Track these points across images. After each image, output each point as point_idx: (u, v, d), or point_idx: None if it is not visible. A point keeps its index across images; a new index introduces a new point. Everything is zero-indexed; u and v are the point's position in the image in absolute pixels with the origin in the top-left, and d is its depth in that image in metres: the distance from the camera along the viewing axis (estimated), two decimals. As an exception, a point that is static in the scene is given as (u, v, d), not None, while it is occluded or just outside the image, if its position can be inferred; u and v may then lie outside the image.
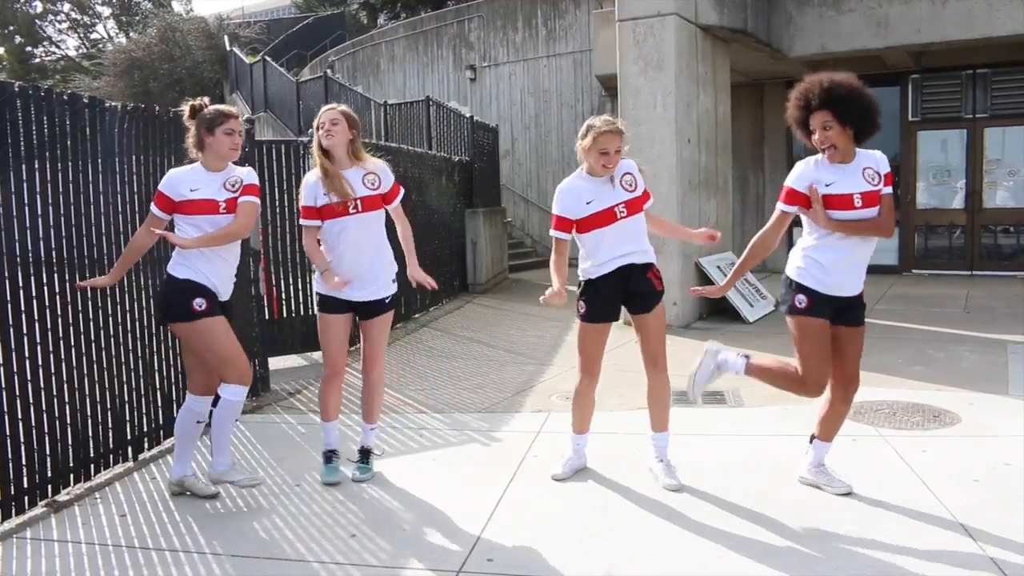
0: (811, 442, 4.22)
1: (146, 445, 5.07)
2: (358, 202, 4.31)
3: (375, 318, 4.46)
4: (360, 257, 4.35)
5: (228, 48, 27.08)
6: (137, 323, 5.05)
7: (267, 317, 6.92)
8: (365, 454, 4.62)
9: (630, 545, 3.66)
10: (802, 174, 3.90)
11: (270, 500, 4.29)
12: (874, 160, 3.88)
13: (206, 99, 4.34)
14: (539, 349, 7.87)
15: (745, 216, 14.13)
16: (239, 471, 4.44)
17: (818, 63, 12.22)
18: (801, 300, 3.90)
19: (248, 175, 4.28)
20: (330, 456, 4.57)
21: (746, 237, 14.84)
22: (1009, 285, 11.60)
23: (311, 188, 4.34)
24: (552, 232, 4.28)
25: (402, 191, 4.55)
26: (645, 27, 8.82)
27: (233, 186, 4.18)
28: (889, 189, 3.86)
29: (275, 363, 6.88)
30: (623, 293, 4.25)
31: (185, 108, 4.26)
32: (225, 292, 4.24)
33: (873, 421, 5.32)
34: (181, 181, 4.14)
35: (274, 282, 7.50)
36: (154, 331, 5.20)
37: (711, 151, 9.85)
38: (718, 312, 9.39)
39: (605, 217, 4.16)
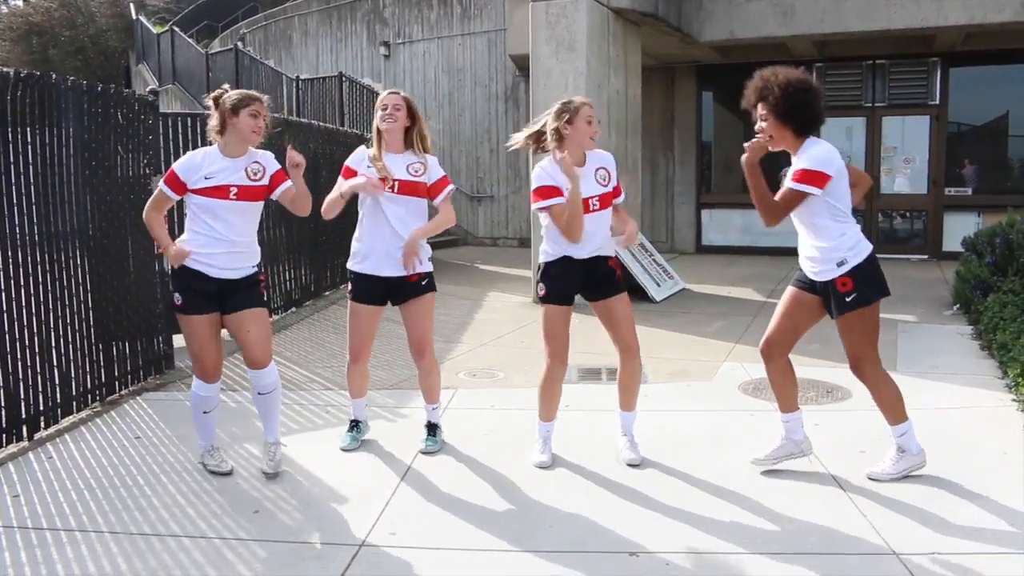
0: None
1: (42, 424, 4.93)
2: (395, 183, 4.36)
3: (411, 300, 4.51)
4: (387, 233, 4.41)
5: (134, 17, 26.14)
6: (33, 299, 4.90)
7: (171, 294, 6.77)
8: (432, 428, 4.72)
9: (531, 518, 3.74)
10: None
11: (172, 478, 4.23)
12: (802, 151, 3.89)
13: (227, 85, 4.28)
14: (448, 327, 7.91)
15: (655, 198, 14.39)
16: (212, 455, 4.33)
17: (727, 48, 12.55)
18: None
19: (271, 161, 4.26)
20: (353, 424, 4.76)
21: (655, 219, 15.17)
22: (903, 268, 12.10)
23: (359, 156, 4.48)
24: (545, 203, 4.16)
25: (450, 187, 4.53)
26: (558, 8, 8.88)
27: (256, 175, 4.15)
28: (793, 185, 3.81)
29: (180, 340, 6.73)
30: (581, 279, 4.26)
31: (208, 99, 4.20)
32: (224, 271, 4.13)
33: (770, 397, 5.49)
34: (198, 167, 4.08)
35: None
36: (50, 307, 5.06)
37: (621, 133, 9.99)
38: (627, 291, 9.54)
39: None
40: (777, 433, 4.27)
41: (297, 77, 14.06)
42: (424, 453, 4.54)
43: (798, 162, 3.87)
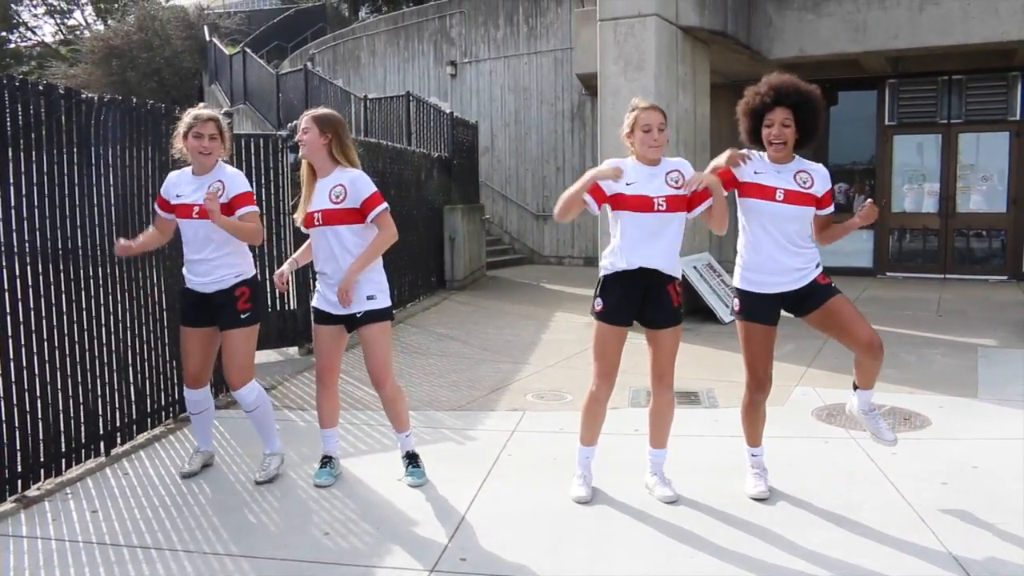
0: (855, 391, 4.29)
1: (118, 440, 5.03)
2: (318, 215, 4.22)
3: (360, 329, 4.30)
4: (324, 267, 4.31)
5: (208, 39, 26.84)
6: (111, 317, 5.02)
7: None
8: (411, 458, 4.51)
9: (603, 545, 3.68)
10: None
11: (242, 497, 4.28)
12: (813, 169, 4.07)
13: (188, 111, 4.45)
14: (515, 347, 7.89)
15: (723, 216, 14.19)
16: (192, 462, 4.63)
17: (797, 66, 12.32)
18: (735, 305, 4.18)
19: (234, 181, 4.35)
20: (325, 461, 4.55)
21: (724, 238, 14.95)
22: (981, 289, 11.74)
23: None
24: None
25: (381, 206, 4.22)
26: (626, 27, 8.85)
27: (217, 192, 4.24)
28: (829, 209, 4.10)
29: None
30: (640, 299, 4.03)
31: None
32: (202, 286, 4.39)
33: (845, 423, 5.37)
34: (174, 185, 4.42)
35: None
36: (127, 325, 5.17)
37: (690, 152, 9.88)
38: (694, 312, 9.42)
39: (641, 203, 3.97)
40: (851, 460, 4.20)
41: (365, 96, 14.28)
42: (411, 487, 4.35)
43: (823, 183, 4.05)
